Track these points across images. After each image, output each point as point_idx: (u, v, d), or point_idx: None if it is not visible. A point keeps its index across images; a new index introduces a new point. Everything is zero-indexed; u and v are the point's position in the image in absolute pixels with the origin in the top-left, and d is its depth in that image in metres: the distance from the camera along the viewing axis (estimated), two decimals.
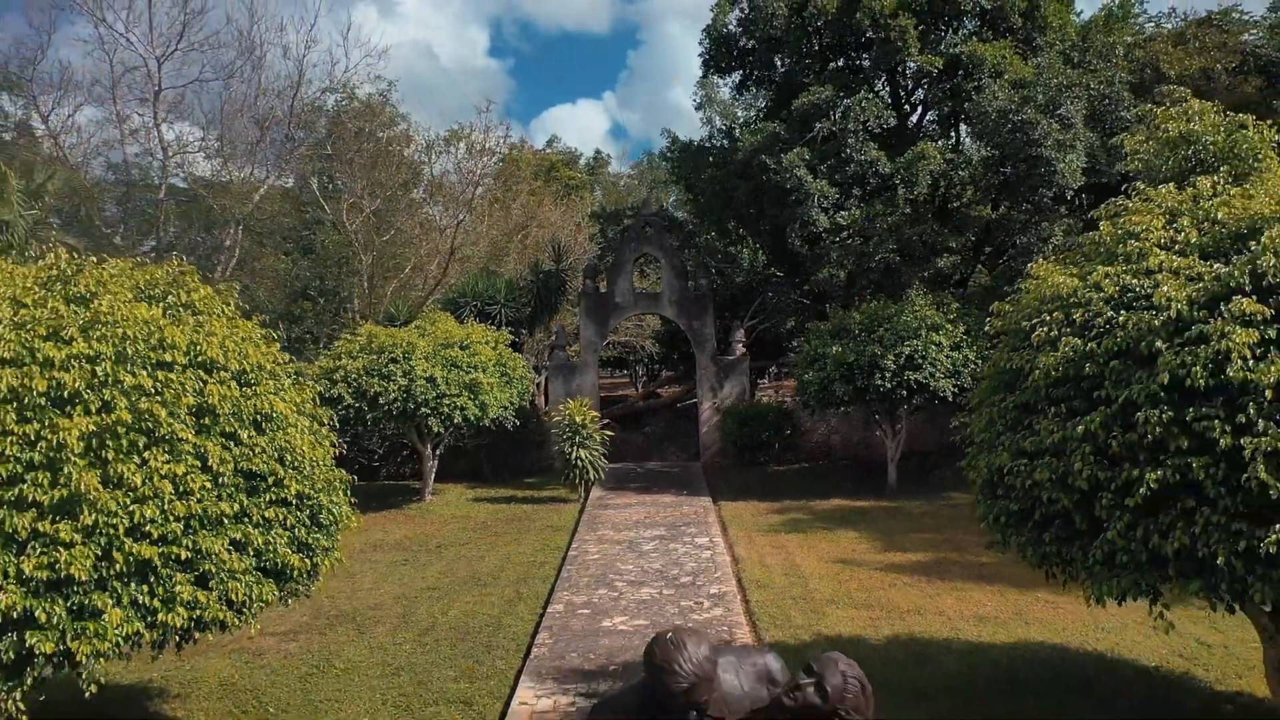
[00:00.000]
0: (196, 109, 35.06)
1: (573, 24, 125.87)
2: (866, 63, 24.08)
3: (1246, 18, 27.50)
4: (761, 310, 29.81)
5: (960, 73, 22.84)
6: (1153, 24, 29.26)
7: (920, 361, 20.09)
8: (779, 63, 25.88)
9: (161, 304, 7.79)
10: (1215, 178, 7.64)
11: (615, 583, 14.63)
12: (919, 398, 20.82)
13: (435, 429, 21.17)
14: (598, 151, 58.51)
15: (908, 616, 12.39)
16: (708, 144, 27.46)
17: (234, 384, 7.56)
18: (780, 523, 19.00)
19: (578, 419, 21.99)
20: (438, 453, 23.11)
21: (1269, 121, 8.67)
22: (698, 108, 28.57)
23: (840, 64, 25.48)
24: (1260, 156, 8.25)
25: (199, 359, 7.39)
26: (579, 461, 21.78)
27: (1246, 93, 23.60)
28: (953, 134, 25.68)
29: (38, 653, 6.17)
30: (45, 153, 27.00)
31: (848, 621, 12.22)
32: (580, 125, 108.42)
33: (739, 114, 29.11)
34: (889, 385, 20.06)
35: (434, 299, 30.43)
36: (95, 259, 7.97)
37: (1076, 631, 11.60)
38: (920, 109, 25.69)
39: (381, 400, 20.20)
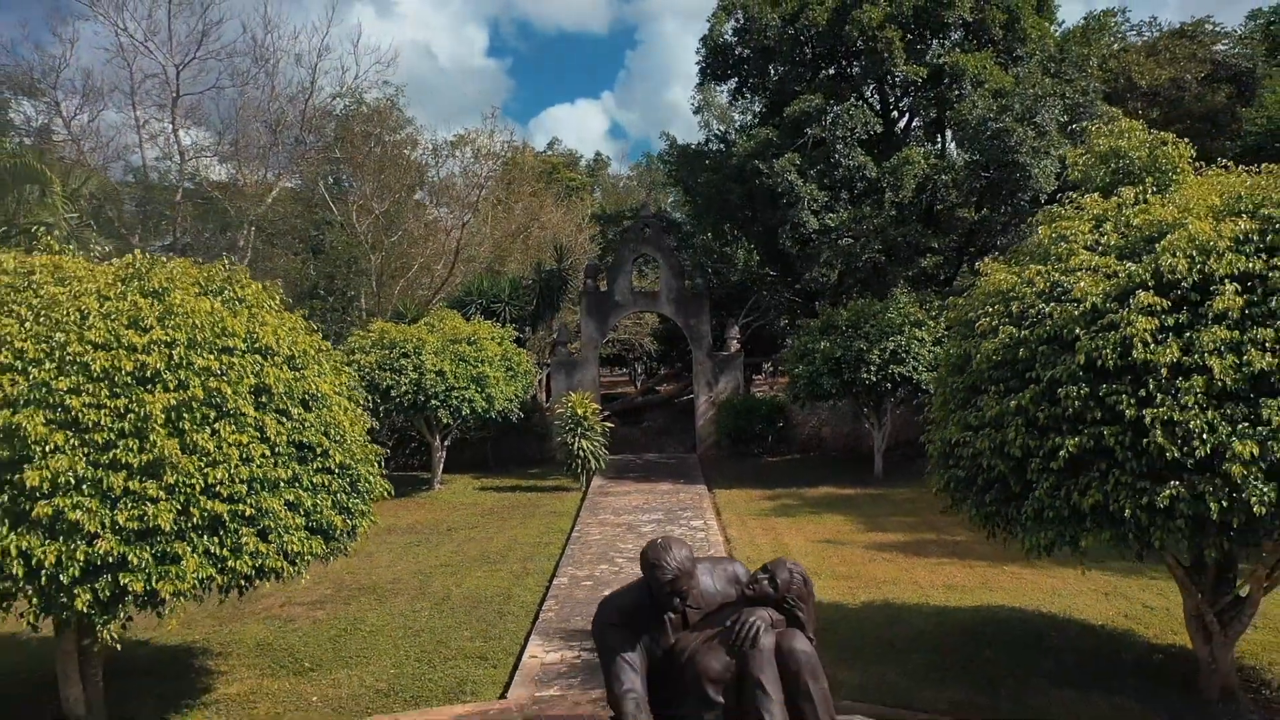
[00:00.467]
0: (214, 114, 36.12)
1: (571, 24, 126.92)
2: (856, 71, 25.21)
3: (1218, 29, 28.65)
4: (756, 308, 30.98)
5: (945, 81, 23.98)
6: (1133, 33, 30.44)
7: (904, 356, 21.25)
8: (772, 71, 27.01)
9: (219, 297, 8.93)
10: (1138, 188, 8.79)
11: (615, 559, 15.76)
12: (903, 390, 21.97)
13: (444, 420, 22.30)
14: (598, 153, 59.69)
15: (884, 586, 13.55)
16: (704, 148, 28.61)
17: (285, 367, 8.70)
18: (771, 508, 20.15)
19: (579, 411, 23.10)
20: (446, 444, 24.25)
21: (1187, 140, 9.81)
22: (695, 111, 29.73)
23: (831, 72, 26.64)
24: (1179, 169, 9.41)
25: (255, 345, 8.53)
26: (581, 451, 22.89)
27: (1216, 101, 24.74)
28: (938, 140, 26.81)
29: (129, 591, 7.30)
30: (67, 156, 28.11)
31: (829, 590, 13.36)
32: (579, 125, 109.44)
33: (735, 118, 30.29)
34: (874, 378, 21.21)
35: (440, 298, 31.57)
36: (164, 259, 9.10)
37: (1035, 598, 12.75)
38: (907, 116, 26.84)
39: (393, 393, 21.30)
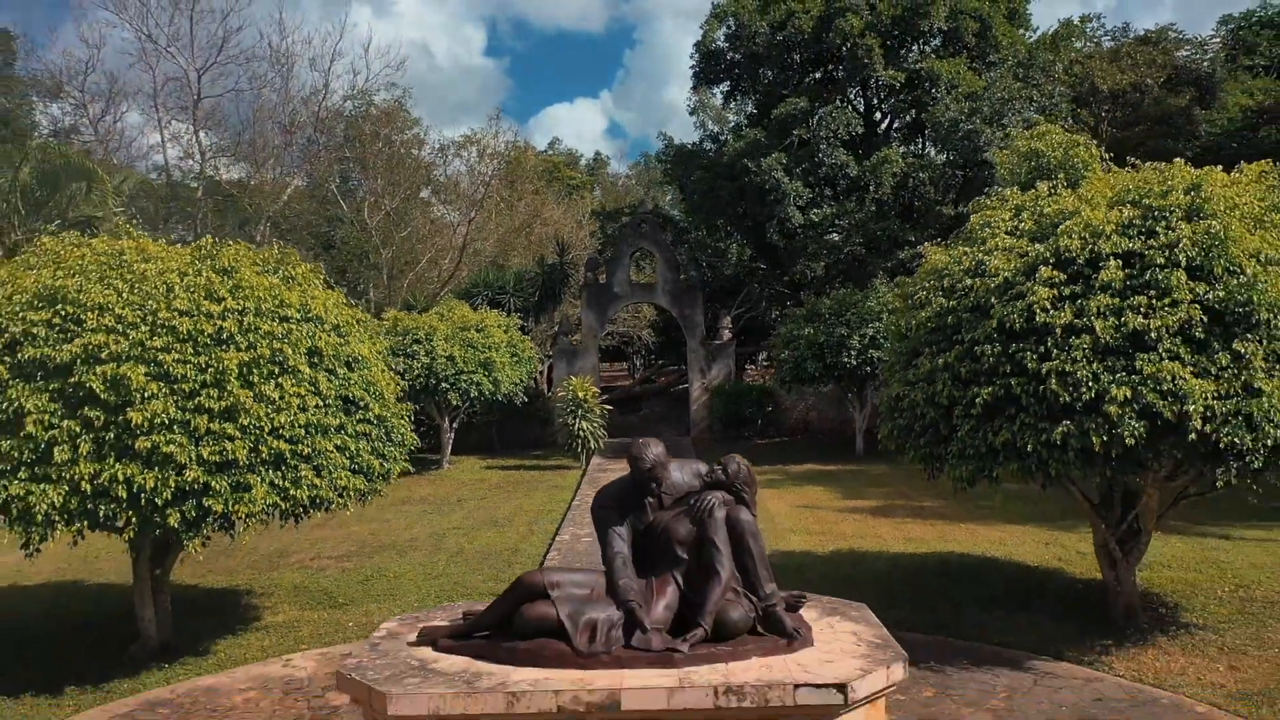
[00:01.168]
0: (233, 115, 37.60)
1: (569, 23, 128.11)
2: (839, 76, 26.83)
3: (1180, 36, 30.27)
4: (747, 300, 32.58)
5: (923, 85, 25.59)
6: (1108, 38, 32.07)
7: (882, 341, 22.84)
8: (762, 75, 28.63)
9: (276, 275, 10.52)
10: (1052, 182, 10.38)
11: None
12: (882, 374, 23.59)
13: (454, 402, 23.89)
14: (597, 153, 61.28)
15: (850, 539, 15.17)
16: (698, 148, 30.24)
17: (332, 334, 10.29)
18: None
19: (580, 394, 24.71)
20: (454, 426, 25.86)
21: (1097, 142, 11.43)
22: (691, 113, 31.39)
23: (817, 76, 28.26)
24: (1089, 167, 10.99)
25: (308, 315, 10.11)
26: (581, 432, 24.49)
27: (1175, 103, 26.33)
28: (918, 140, 28.42)
29: (211, 512, 8.89)
30: (94, 155, 29.71)
31: (802, 543, 14.98)
32: (578, 124, 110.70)
33: (730, 118, 31.92)
34: (854, 362, 22.82)
35: (448, 290, 33.15)
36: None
37: (983, 547, 14.38)
38: (887, 118, 28.45)
39: (406, 376, 22.89)
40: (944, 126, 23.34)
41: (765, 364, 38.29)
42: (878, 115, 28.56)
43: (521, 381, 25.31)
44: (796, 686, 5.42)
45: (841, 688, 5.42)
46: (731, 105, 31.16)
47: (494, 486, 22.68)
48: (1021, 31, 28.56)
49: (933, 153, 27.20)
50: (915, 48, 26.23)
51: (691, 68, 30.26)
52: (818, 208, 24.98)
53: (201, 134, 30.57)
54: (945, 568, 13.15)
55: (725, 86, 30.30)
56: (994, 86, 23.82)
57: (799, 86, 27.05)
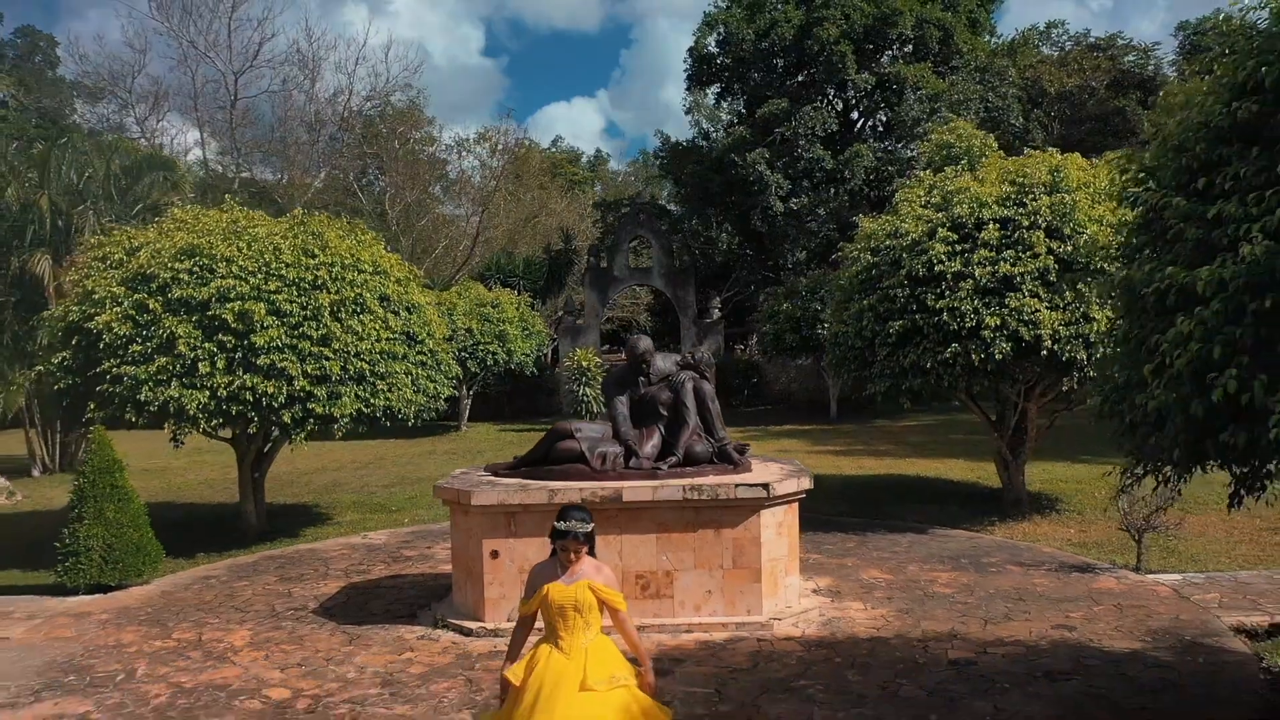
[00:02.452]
0: (268, 113, 40.21)
1: (563, 23, 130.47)
2: (818, 78, 29.77)
3: (1129, 42, 33.18)
4: (736, 283, 35.50)
5: (892, 87, 28.52)
6: (1072, 43, 34.97)
7: None
8: (749, 77, 31.55)
9: (350, 238, 13.43)
10: (957, 167, 13.29)
11: None
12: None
13: (473, 369, 26.81)
14: (598, 151, 64.04)
15: (813, 468, 18.07)
16: (691, 144, 33.17)
17: (395, 284, 13.21)
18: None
19: (584, 363, 27.63)
20: (470, 393, 28.79)
21: (993, 135, 14.36)
22: (686, 112, 34.32)
23: (799, 79, 31.19)
24: (987, 154, 13.92)
25: (377, 269, 13.03)
26: (584, 397, 27.40)
27: (1119, 104, 29.25)
28: (890, 137, 31.38)
29: (313, 414, 11.80)
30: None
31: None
32: (575, 122, 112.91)
33: (723, 117, 34.86)
34: (827, 334, 25.74)
35: (463, 274, 36.03)
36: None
37: (919, 471, 17.33)
38: (862, 116, 31.39)
39: None
40: (908, 124, 26.26)
41: (755, 346, 41.26)
42: (854, 114, 31.48)
43: (532, 353, 28.22)
44: (736, 485, 8.38)
45: (766, 486, 8.37)
46: (722, 105, 34.08)
47: (508, 443, 25.59)
48: (987, 38, 31.48)
49: (899, 148, 30.13)
50: (885, 53, 29.15)
51: (685, 70, 33.21)
52: (797, 198, 27.88)
53: (237, 132, 33.40)
54: (884, 483, 16.12)
55: (716, 88, 33.23)
56: (953, 89, 26.75)
57: (781, 88, 29.96)
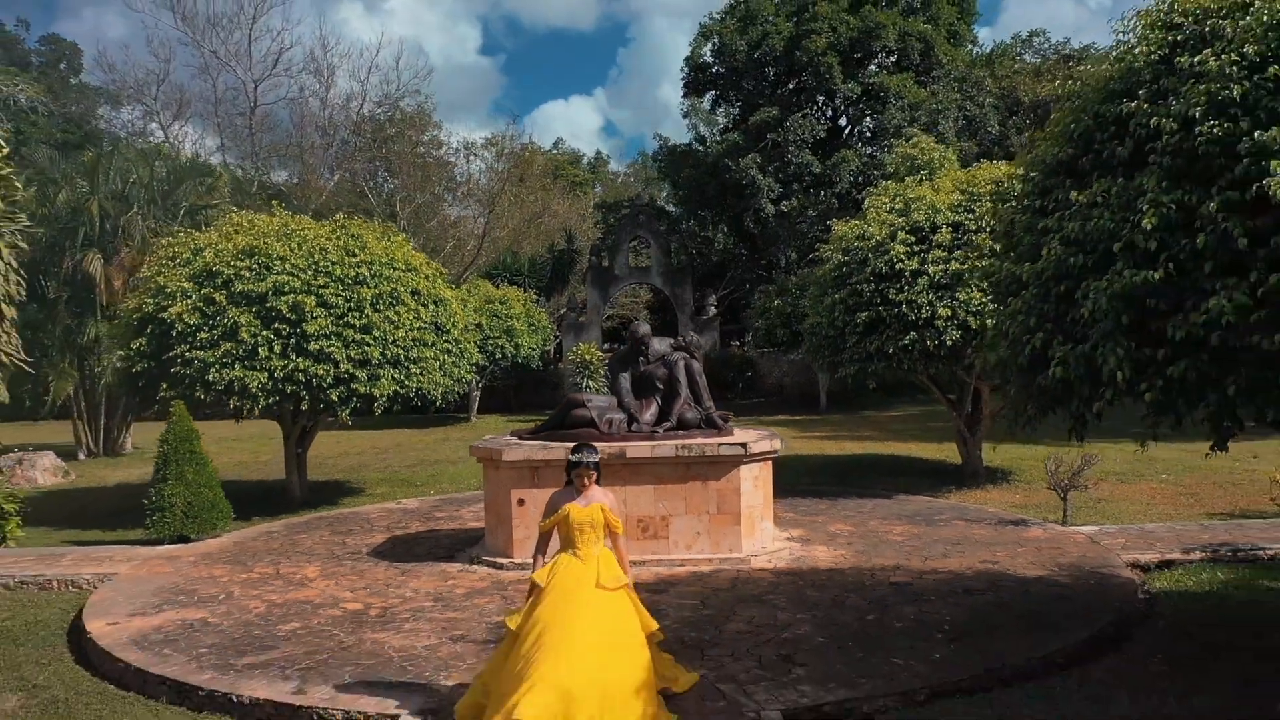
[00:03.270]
0: (283, 119, 41.83)
1: (561, 21, 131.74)
2: (807, 87, 31.57)
3: (1101, 51, 34.89)
4: (731, 283, 37.29)
5: (878, 96, 30.31)
6: (1041, 55, 36.78)
7: None
8: (742, 85, 33.35)
9: (384, 240, 15.21)
10: (918, 176, 15.09)
11: None
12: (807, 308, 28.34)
13: (482, 363, 28.54)
14: (598, 152, 65.75)
15: (798, 448, 19.91)
16: (688, 148, 34.95)
17: (425, 280, 14.99)
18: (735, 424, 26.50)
19: (586, 357, 29.44)
20: (479, 386, 30.55)
21: (949, 146, 16.17)
22: (684, 115, 36.08)
23: (790, 87, 32.99)
24: (944, 166, 15.72)
25: (409, 267, 14.82)
26: (588, 390, 29.20)
27: None
28: (875, 142, 33.17)
29: (356, 394, 13.59)
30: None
31: None
32: (573, 121, 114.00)
33: (719, 120, 36.62)
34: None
35: (470, 272, 37.75)
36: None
37: (893, 451, 19.13)
38: (849, 123, 33.20)
39: None
40: (890, 132, 28.05)
41: (750, 341, 43.02)
42: (842, 120, 33.27)
43: (537, 348, 30.01)
44: (719, 444, 10.17)
45: (744, 445, 10.17)
46: (718, 111, 35.86)
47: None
48: (970, 47, 33.23)
49: (883, 153, 31.92)
50: (870, 64, 30.95)
51: (682, 78, 35.02)
52: (787, 200, 29.67)
53: (256, 137, 35.18)
54: (861, 460, 17.94)
55: (712, 94, 35.02)
56: (933, 99, 28.55)
57: (773, 96, 31.75)
